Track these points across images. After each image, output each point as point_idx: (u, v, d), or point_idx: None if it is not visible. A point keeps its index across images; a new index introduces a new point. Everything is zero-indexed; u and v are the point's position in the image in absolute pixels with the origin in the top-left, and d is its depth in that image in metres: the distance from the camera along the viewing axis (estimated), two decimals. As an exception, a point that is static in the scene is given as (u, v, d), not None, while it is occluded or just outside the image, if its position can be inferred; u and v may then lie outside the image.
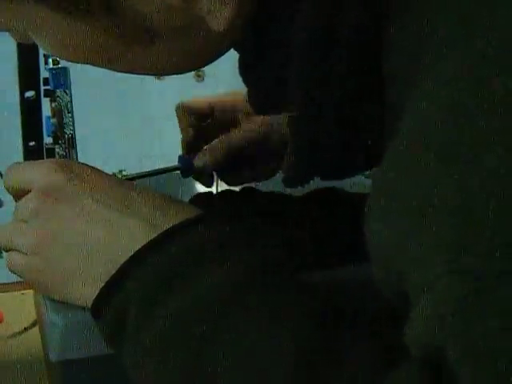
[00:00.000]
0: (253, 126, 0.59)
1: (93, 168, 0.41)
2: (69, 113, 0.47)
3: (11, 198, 0.77)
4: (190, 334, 0.32)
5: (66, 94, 0.47)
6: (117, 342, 0.35)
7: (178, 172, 0.74)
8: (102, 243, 0.37)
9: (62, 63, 0.53)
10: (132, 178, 0.59)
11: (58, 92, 0.52)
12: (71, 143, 0.48)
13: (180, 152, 0.67)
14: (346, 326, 0.32)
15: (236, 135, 0.59)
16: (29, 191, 0.40)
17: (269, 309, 0.33)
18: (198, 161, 0.59)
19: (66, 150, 0.51)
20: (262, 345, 0.31)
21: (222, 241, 0.36)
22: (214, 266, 0.34)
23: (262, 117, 0.59)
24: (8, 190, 0.42)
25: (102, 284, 0.35)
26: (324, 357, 0.30)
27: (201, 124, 0.62)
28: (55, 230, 0.38)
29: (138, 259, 0.35)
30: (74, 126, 0.46)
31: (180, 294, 0.33)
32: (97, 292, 0.36)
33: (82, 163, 0.42)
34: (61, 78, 0.49)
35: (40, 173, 0.40)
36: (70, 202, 0.38)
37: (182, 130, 0.62)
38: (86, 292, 0.37)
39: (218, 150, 0.59)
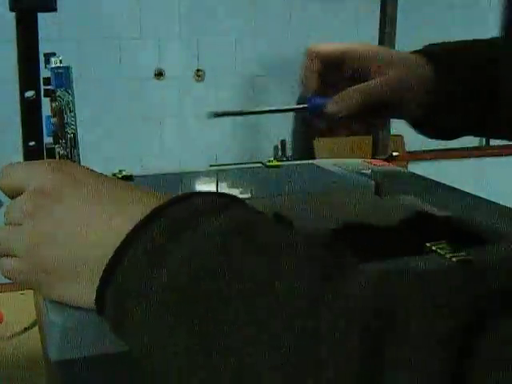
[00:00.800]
0: (387, 79, 0.61)
1: (87, 169, 0.41)
2: (71, 112, 0.47)
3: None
4: (193, 286, 0.32)
5: (69, 93, 0.47)
6: (123, 327, 0.35)
7: (179, 173, 0.74)
8: (93, 243, 0.37)
9: (67, 62, 0.53)
10: (257, 113, 0.63)
11: (59, 91, 0.52)
12: (73, 143, 0.47)
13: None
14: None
15: (371, 87, 0.61)
16: (22, 192, 0.40)
17: (275, 243, 0.33)
18: (331, 107, 0.60)
19: (68, 150, 0.51)
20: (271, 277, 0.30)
21: (216, 206, 0.36)
22: (210, 219, 0.34)
23: (393, 71, 0.60)
24: (3, 190, 0.42)
25: (97, 281, 0.35)
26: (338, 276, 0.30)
27: (327, 71, 0.62)
28: (49, 232, 0.38)
29: (127, 244, 0.35)
30: (76, 125, 0.46)
31: (178, 250, 0.33)
32: (94, 290, 0.36)
33: (77, 164, 0.42)
34: (63, 77, 0.48)
35: (35, 173, 0.40)
36: (64, 202, 0.38)
37: (307, 75, 0.62)
38: (83, 292, 0.37)
39: (353, 99, 0.60)
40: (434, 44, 0.66)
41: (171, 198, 0.37)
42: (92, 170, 0.41)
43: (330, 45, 0.62)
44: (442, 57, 0.63)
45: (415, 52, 0.64)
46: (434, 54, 0.63)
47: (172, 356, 0.32)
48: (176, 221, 0.35)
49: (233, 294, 0.31)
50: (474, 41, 0.66)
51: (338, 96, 0.61)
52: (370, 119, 0.65)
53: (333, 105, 0.60)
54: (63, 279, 0.37)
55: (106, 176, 0.41)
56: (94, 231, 0.37)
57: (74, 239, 0.37)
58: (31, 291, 0.64)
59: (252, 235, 0.33)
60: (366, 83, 0.61)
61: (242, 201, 0.38)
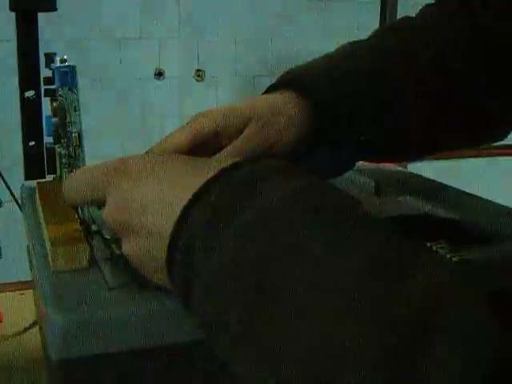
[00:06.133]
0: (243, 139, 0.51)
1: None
2: (75, 111, 0.47)
3: (11, 197, 0.77)
4: (254, 251, 0.31)
5: (73, 92, 0.47)
6: (190, 287, 0.35)
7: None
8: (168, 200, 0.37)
9: (69, 61, 0.53)
10: None
11: (61, 91, 0.52)
12: (78, 142, 0.47)
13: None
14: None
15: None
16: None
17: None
18: None
19: (70, 149, 0.51)
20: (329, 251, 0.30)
21: (284, 168, 0.36)
22: (278, 182, 0.34)
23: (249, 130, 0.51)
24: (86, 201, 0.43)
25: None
26: (397, 266, 0.29)
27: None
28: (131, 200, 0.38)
29: (195, 199, 0.35)
30: (80, 124, 0.46)
31: (243, 212, 0.33)
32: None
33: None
34: (68, 76, 0.48)
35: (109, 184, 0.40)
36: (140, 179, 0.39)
37: None
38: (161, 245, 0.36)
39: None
40: (297, 70, 0.56)
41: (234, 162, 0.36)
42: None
43: (172, 140, 0.53)
44: (314, 91, 0.53)
45: (279, 86, 0.55)
46: (304, 87, 0.54)
47: (240, 311, 0.32)
48: (252, 176, 0.35)
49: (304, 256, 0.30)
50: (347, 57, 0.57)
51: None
52: None
53: None
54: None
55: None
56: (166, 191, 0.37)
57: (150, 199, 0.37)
58: (31, 291, 0.64)
59: (318, 208, 0.33)
60: (221, 152, 0.51)
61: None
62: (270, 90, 0.55)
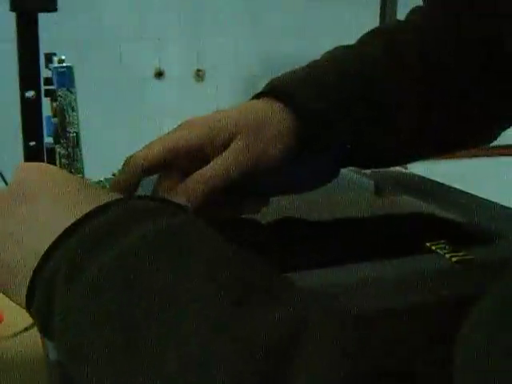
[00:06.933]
0: (231, 152, 0.50)
1: (58, 172, 0.41)
2: (73, 112, 0.47)
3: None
4: (114, 287, 0.32)
5: (71, 92, 0.47)
6: (49, 322, 0.35)
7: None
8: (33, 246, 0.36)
9: (67, 62, 0.53)
10: None
11: (60, 91, 0.52)
12: (75, 142, 0.47)
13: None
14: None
15: (215, 168, 0.50)
16: None
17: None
18: (179, 200, 0.48)
19: (69, 150, 0.51)
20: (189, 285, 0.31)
21: (147, 212, 0.36)
22: (140, 225, 0.34)
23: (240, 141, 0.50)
24: None
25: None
26: (263, 292, 0.30)
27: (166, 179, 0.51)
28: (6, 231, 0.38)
29: (61, 239, 0.35)
30: (78, 124, 0.46)
31: (103, 254, 0.33)
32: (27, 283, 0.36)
33: (47, 167, 0.42)
34: (66, 76, 0.49)
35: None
36: (22, 206, 0.38)
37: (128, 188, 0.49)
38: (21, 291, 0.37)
39: (195, 190, 0.49)
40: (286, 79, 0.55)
41: (106, 202, 0.36)
42: (62, 173, 0.41)
43: (150, 150, 0.50)
44: (302, 101, 0.52)
45: (266, 95, 0.54)
46: (292, 99, 0.52)
47: (95, 349, 0.32)
48: (98, 230, 0.35)
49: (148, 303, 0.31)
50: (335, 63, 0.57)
51: (181, 187, 0.49)
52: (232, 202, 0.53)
53: (180, 198, 0.48)
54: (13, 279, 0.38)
55: (74, 179, 0.40)
56: (40, 233, 0.37)
57: (24, 241, 0.37)
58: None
59: (177, 245, 0.33)
60: (208, 166, 0.49)
61: (179, 206, 0.38)
62: (257, 97, 0.55)
